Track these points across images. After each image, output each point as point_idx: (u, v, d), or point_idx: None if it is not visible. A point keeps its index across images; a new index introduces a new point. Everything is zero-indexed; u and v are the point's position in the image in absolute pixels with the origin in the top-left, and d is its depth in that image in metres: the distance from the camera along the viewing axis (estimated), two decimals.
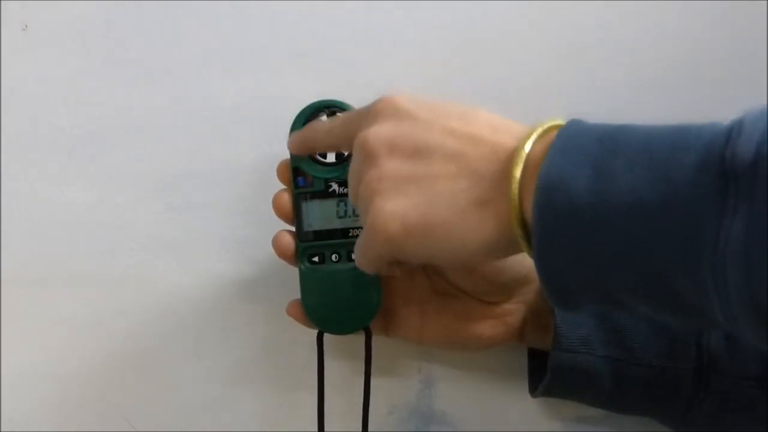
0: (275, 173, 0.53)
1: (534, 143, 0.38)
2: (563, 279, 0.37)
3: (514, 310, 0.55)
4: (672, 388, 0.52)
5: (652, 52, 0.59)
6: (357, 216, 0.52)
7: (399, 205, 0.41)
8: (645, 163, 0.34)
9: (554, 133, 0.38)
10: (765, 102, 0.57)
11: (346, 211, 0.52)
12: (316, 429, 0.55)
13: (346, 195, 0.52)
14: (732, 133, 0.33)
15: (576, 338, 0.52)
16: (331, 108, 0.52)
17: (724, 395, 0.51)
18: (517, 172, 0.38)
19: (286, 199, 0.52)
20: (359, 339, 0.55)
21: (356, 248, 0.46)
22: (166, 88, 0.59)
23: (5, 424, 0.60)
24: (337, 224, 0.52)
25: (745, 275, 0.31)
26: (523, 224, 0.38)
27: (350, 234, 0.52)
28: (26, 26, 0.59)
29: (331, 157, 0.52)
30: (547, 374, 0.53)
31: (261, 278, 0.59)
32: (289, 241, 0.52)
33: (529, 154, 0.38)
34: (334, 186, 0.52)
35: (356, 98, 0.53)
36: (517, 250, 0.40)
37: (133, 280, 0.60)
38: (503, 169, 0.39)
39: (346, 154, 0.52)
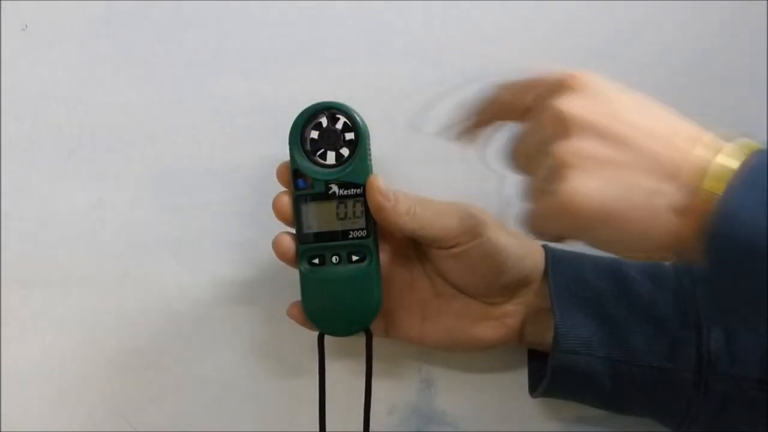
0: (275, 174, 0.53)
1: (726, 161, 0.39)
2: (727, 301, 0.40)
3: (514, 311, 0.55)
4: (672, 389, 0.52)
5: (653, 53, 0.59)
6: (357, 218, 0.52)
7: (596, 186, 0.40)
8: None
9: (747, 153, 0.39)
10: (765, 102, 0.57)
11: (346, 213, 0.52)
12: (317, 429, 0.55)
13: (346, 197, 0.52)
14: None
15: (576, 339, 0.52)
16: (331, 109, 0.52)
17: (724, 396, 0.51)
18: (705, 186, 0.39)
19: (286, 201, 0.52)
20: (360, 340, 0.55)
21: (531, 214, 0.45)
22: (167, 88, 0.59)
23: (5, 424, 0.60)
24: (338, 226, 0.52)
25: None
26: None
27: (350, 236, 0.52)
28: (26, 26, 0.59)
29: (331, 159, 0.52)
30: (547, 375, 0.54)
31: (261, 279, 0.59)
32: (289, 243, 0.52)
33: (719, 171, 0.39)
34: (334, 188, 0.52)
35: (356, 98, 0.53)
36: (688, 257, 0.41)
37: (133, 280, 0.60)
38: (693, 181, 0.39)
39: (345, 155, 0.52)
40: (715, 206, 0.37)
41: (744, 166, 0.38)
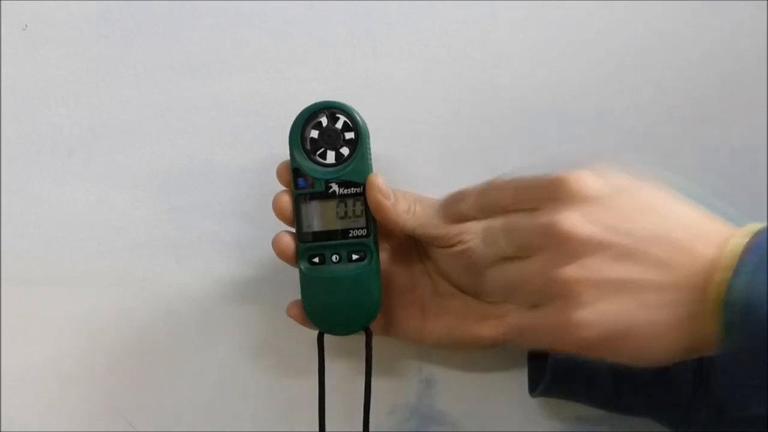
0: (275, 174, 0.53)
1: (732, 253, 0.38)
2: (739, 392, 0.39)
3: (514, 310, 0.55)
4: (672, 389, 0.52)
5: (652, 53, 0.59)
6: (357, 217, 0.52)
7: (599, 313, 0.39)
8: None
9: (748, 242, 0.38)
10: (765, 102, 0.57)
11: (346, 212, 0.52)
12: (316, 429, 0.55)
13: (346, 196, 0.52)
14: None
15: None
16: (330, 109, 0.52)
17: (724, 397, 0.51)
18: (718, 289, 0.37)
19: (287, 200, 0.52)
20: (359, 339, 0.55)
21: (533, 327, 0.43)
22: (166, 88, 0.59)
23: (5, 424, 0.60)
24: (338, 225, 0.52)
25: None
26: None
27: (350, 235, 0.52)
28: (26, 26, 0.59)
29: (331, 158, 0.52)
30: (546, 374, 0.53)
31: (261, 278, 0.59)
32: (289, 242, 0.52)
33: (727, 265, 0.37)
34: (335, 187, 0.52)
35: (356, 98, 0.53)
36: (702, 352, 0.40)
37: (133, 280, 0.60)
38: (704, 284, 0.38)
39: (345, 154, 0.52)
40: (728, 300, 0.36)
41: (746, 252, 0.37)
